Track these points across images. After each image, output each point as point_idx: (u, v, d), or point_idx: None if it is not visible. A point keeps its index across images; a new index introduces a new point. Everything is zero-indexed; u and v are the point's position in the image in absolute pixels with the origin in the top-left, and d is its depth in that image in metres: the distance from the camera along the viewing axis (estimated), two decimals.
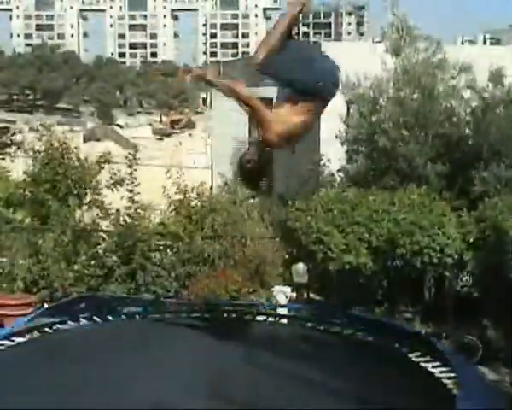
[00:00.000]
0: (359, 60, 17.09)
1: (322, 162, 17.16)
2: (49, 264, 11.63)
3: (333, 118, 16.42)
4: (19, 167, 16.27)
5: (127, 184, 12.45)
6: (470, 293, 12.53)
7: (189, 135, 79.09)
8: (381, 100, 14.73)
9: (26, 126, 31.89)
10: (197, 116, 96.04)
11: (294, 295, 12.48)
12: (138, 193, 12.20)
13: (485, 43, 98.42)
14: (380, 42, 19.64)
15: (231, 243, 11.94)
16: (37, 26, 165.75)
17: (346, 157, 15.52)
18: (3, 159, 14.63)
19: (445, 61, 14.49)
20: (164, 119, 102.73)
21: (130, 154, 12.82)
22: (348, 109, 16.94)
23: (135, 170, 12.45)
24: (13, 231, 13.38)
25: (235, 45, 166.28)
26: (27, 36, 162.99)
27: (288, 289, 12.38)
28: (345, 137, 15.22)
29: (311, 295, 12.93)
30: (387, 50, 14.73)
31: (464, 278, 12.67)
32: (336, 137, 15.22)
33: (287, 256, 12.52)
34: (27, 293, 11.37)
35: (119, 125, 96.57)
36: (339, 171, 15.83)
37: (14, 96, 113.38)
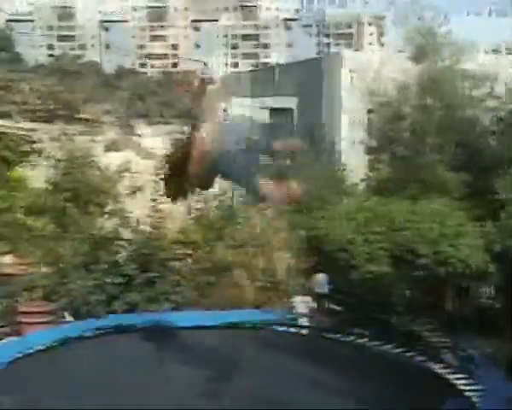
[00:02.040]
0: (381, 69, 17.04)
1: (343, 172, 17.06)
2: (68, 272, 11.60)
3: (355, 128, 16.41)
4: (39, 176, 16.29)
5: (151, 194, 12.38)
6: (493, 304, 12.36)
7: None
8: (403, 108, 14.62)
9: (47, 136, 31.99)
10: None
11: (315, 305, 12.37)
12: (162, 202, 12.14)
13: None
14: (401, 51, 19.53)
15: (252, 251, 11.87)
16: (58, 36, 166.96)
17: (368, 166, 15.43)
18: (24, 167, 14.67)
19: (469, 71, 14.39)
20: (184, 129, 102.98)
21: (155, 166, 12.69)
22: (369, 118, 16.86)
23: (161, 179, 12.33)
24: (33, 238, 13.39)
25: (255, 56, 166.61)
26: (49, 47, 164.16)
27: (308, 300, 12.28)
28: (366, 145, 15.14)
29: (332, 305, 12.80)
30: (410, 57, 14.60)
31: (487, 290, 12.50)
32: (361, 143, 15.13)
33: (308, 265, 12.42)
34: (47, 301, 11.33)
35: (139, 135, 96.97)
36: (362, 181, 15.73)
37: (36, 106, 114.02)
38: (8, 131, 12.81)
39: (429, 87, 14.12)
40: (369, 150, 15.27)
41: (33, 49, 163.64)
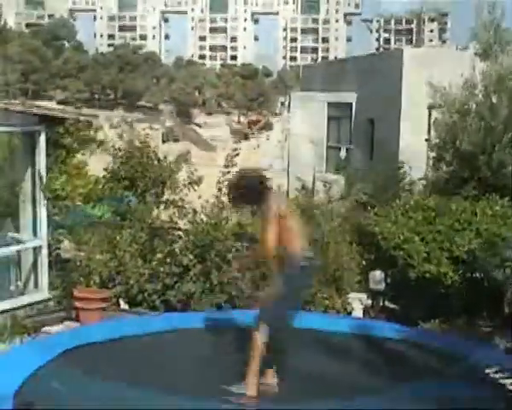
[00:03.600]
0: (444, 65, 16.81)
1: (402, 170, 16.91)
2: (125, 260, 11.66)
3: (415, 125, 16.19)
4: (98, 163, 16.45)
5: (209, 185, 12.41)
6: None
7: (267, 139, 79.10)
8: (470, 104, 14.39)
9: (107, 123, 32.38)
10: (275, 118, 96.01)
11: (370, 302, 12.27)
12: (225, 193, 12.11)
13: None
14: (465, 49, 19.25)
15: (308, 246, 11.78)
16: (119, 26, 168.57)
17: (430, 164, 15.25)
18: (84, 154, 14.84)
19: None
20: (242, 119, 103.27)
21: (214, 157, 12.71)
22: (430, 115, 16.66)
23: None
24: (91, 225, 13.51)
25: (314, 50, 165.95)
26: (110, 36, 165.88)
27: (363, 296, 12.19)
28: (426, 142, 14.99)
29: (387, 303, 12.68)
30: (477, 53, 14.36)
31: None
32: (426, 140, 14.94)
33: (364, 262, 12.32)
34: (103, 288, 11.42)
35: (197, 125, 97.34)
36: (420, 179, 15.55)
37: (96, 95, 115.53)
38: (70, 116, 12.90)
39: (496, 85, 13.85)
40: (430, 148, 15.07)
41: (95, 39, 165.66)
